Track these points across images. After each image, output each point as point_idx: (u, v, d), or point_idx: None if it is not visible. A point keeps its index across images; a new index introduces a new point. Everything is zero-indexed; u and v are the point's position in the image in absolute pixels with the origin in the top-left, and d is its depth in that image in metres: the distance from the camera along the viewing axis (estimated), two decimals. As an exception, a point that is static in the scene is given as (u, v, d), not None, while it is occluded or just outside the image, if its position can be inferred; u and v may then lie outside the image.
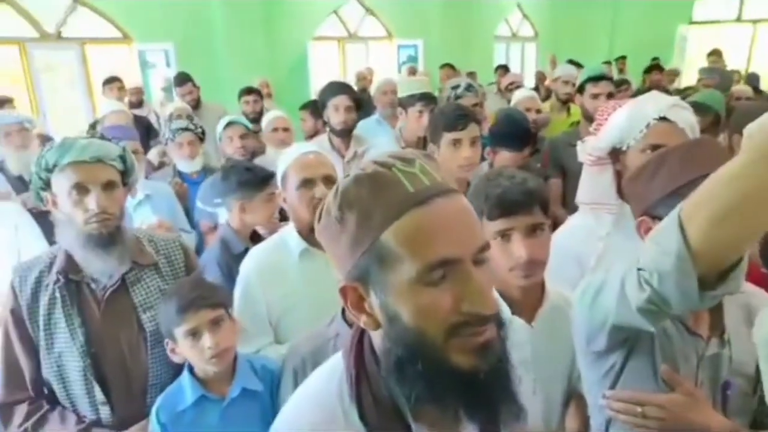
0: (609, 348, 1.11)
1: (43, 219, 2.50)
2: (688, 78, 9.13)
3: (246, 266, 1.73)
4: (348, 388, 0.79)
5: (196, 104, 4.94)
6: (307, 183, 1.67)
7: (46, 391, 1.52)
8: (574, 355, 1.27)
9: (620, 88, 5.14)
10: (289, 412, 0.84)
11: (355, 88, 6.83)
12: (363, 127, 3.89)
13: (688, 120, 1.50)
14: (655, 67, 6.81)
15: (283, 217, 2.34)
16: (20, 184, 3.05)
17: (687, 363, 1.15)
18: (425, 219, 0.69)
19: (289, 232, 1.75)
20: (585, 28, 11.52)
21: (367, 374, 0.78)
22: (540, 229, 1.29)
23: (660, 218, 1.05)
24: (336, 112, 3.02)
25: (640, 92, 4.59)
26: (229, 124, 3.29)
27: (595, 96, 2.96)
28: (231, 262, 2.01)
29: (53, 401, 1.51)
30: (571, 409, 1.50)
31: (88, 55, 6.53)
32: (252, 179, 2.17)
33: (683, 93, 4.04)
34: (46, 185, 1.48)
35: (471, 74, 8.24)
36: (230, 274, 1.96)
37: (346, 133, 3.08)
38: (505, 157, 2.31)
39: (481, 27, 10.70)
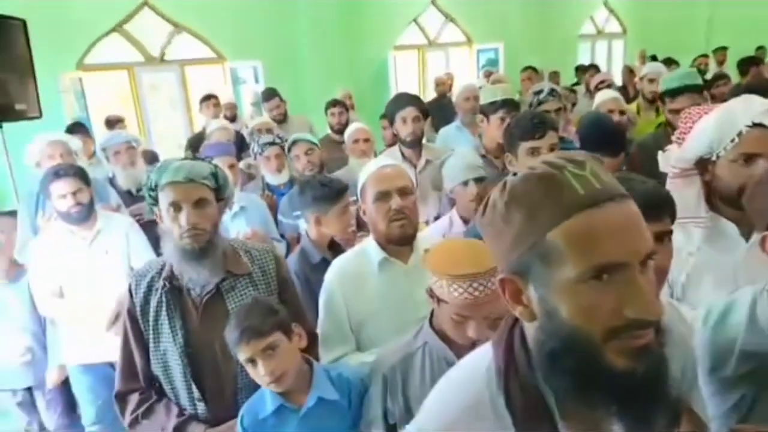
0: (739, 377, 1.03)
1: (148, 229, 2.75)
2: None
3: (329, 276, 1.82)
4: (496, 377, 0.80)
5: (283, 117, 5.15)
6: (383, 196, 1.73)
7: (155, 383, 1.69)
8: (684, 366, 1.22)
9: (717, 83, 4.81)
10: (436, 397, 0.87)
11: (435, 93, 6.89)
12: (443, 134, 3.91)
13: None
14: (750, 59, 6.16)
15: (359, 226, 2.42)
16: (129, 198, 3.36)
17: None
18: (594, 222, 0.69)
19: (368, 242, 1.82)
20: (679, 20, 10.78)
21: (516, 365, 0.79)
22: (668, 238, 1.22)
23: None
24: (404, 124, 3.06)
25: (739, 87, 4.28)
26: (294, 142, 3.35)
27: (674, 111, 2.70)
28: (308, 271, 2.14)
29: (161, 393, 1.68)
30: (683, 424, 1.43)
31: (187, 75, 7.07)
32: (326, 193, 2.27)
33: (790, 85, 3.72)
34: (155, 202, 1.65)
35: (554, 74, 8.02)
36: (307, 282, 2.08)
37: (416, 144, 3.12)
38: None
39: (563, 26, 10.36)
